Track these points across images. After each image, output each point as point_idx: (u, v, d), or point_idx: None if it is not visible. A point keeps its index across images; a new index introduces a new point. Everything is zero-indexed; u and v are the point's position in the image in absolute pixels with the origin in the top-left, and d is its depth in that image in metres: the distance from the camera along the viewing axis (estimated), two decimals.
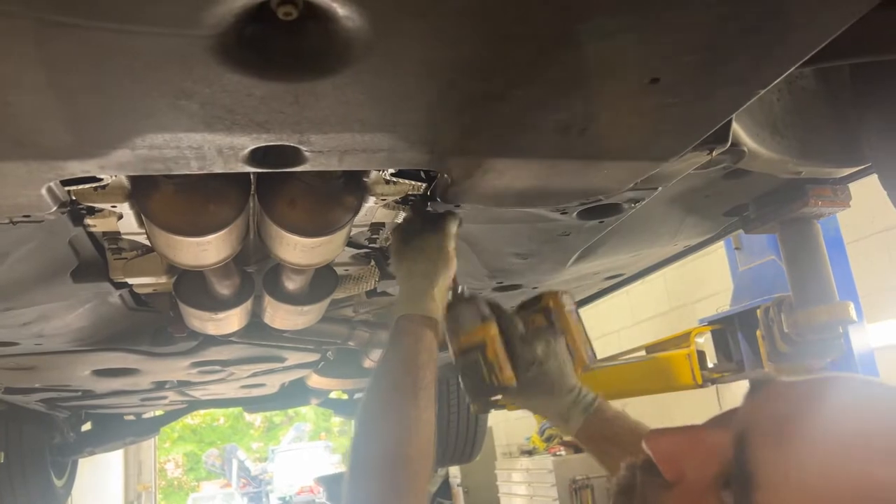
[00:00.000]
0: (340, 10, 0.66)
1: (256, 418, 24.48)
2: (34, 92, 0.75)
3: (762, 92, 0.91)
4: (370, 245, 1.76)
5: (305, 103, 0.81)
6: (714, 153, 1.14)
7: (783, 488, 0.52)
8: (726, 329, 2.89)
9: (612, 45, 0.77)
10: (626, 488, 0.66)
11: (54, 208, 1.07)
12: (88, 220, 1.32)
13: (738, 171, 1.51)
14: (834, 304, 1.55)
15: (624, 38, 0.75)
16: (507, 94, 0.85)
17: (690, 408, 5.76)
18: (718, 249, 4.83)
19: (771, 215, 1.66)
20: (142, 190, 1.18)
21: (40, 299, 1.63)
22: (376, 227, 1.59)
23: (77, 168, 0.92)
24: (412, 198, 1.38)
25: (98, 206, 1.23)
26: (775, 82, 0.89)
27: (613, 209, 1.37)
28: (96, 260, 1.58)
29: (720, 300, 4.72)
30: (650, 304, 6.31)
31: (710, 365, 2.78)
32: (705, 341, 2.87)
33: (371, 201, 1.33)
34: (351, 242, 1.76)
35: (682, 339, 2.99)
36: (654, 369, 2.96)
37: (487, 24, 0.70)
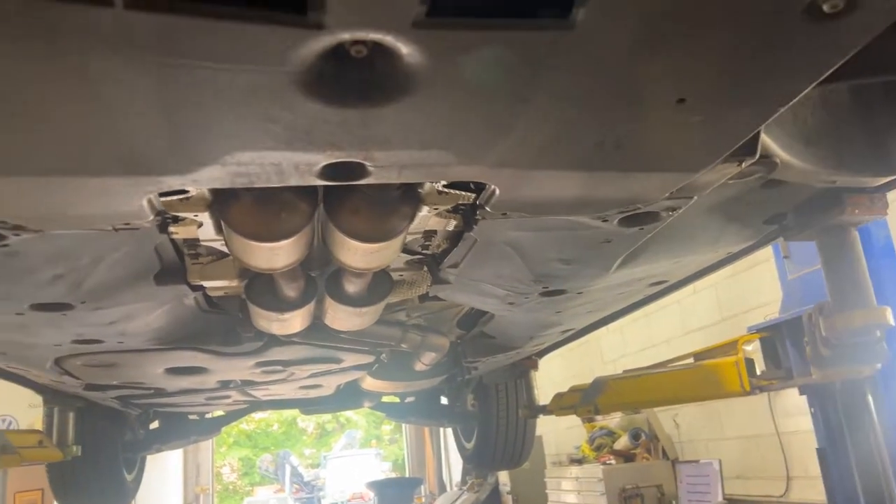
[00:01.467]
0: (404, 49, 0.79)
1: (309, 425, 24.89)
2: (146, 119, 0.90)
3: (783, 109, 0.99)
4: (423, 252, 1.88)
5: (372, 126, 0.93)
6: (743, 165, 1.22)
7: None
8: (774, 337, 2.90)
9: (640, 71, 0.87)
10: None
11: (151, 217, 1.22)
12: (172, 228, 1.47)
13: (775, 181, 1.57)
14: (870, 308, 1.60)
15: (650, 65, 0.86)
16: (546, 115, 0.96)
17: (742, 415, 5.70)
18: (769, 260, 4.80)
19: (809, 223, 1.71)
20: (222, 200, 1.32)
21: (126, 300, 1.79)
22: (429, 234, 1.71)
23: (175, 182, 1.06)
24: (462, 207, 1.50)
25: (182, 215, 1.39)
26: (795, 100, 0.97)
27: (652, 217, 1.45)
28: (176, 264, 1.74)
29: (771, 311, 4.68)
30: (701, 315, 6.27)
31: (758, 372, 2.79)
32: (754, 349, 2.88)
33: (424, 210, 1.45)
34: (405, 249, 1.88)
35: (731, 347, 3.00)
36: (701, 376, 2.98)
37: (522, 58, 0.81)
